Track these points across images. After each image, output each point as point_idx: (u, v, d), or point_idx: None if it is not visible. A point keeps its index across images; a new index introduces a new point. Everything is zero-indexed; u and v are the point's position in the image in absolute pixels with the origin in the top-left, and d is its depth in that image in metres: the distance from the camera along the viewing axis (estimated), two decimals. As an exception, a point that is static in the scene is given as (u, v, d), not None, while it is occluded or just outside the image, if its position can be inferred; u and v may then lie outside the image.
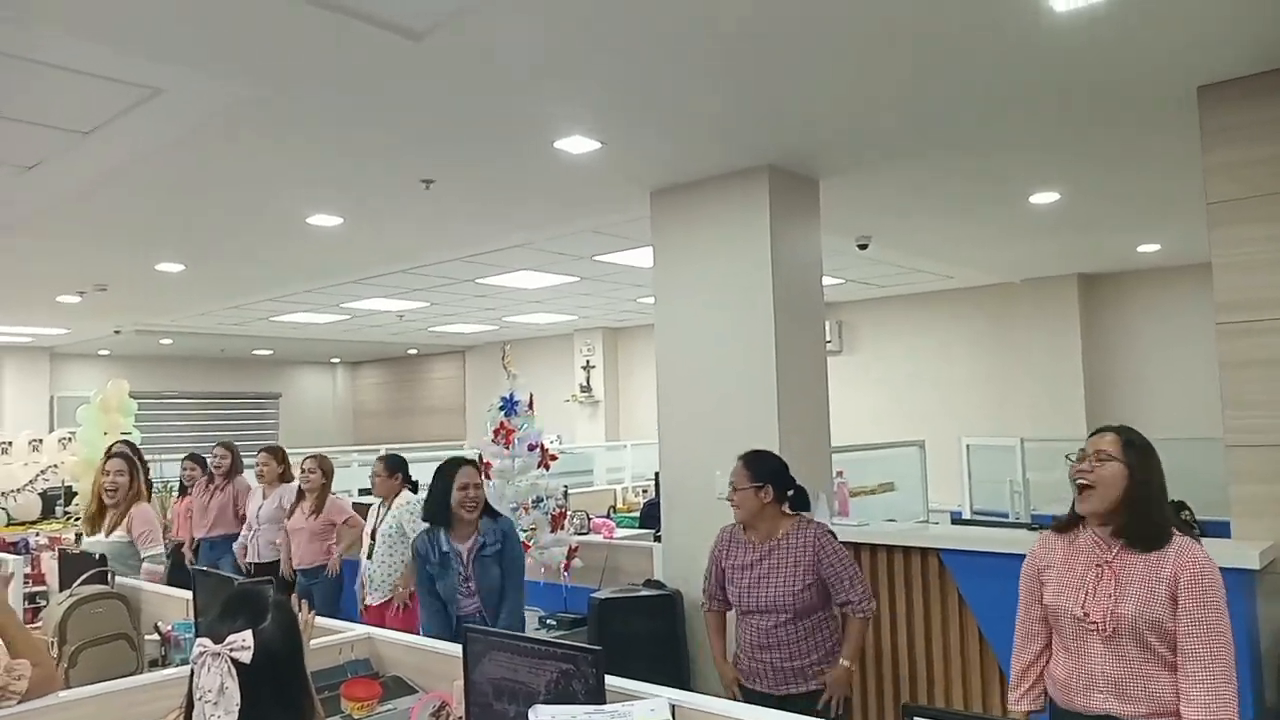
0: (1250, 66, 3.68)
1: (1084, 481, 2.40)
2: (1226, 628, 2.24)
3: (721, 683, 3.41)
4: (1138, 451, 2.40)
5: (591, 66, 3.54)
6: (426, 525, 3.94)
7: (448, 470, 3.89)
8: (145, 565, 4.53)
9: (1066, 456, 2.53)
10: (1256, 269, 3.68)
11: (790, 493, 3.32)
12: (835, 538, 3.28)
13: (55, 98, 3.71)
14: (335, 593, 5.71)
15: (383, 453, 5.84)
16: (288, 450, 6.48)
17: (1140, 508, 2.35)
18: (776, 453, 3.49)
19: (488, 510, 3.95)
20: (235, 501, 6.40)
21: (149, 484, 5.22)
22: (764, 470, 3.28)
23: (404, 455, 5.59)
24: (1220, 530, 4.03)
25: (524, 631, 3.89)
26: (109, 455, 4.93)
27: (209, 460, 6.59)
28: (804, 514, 3.36)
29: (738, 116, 4.17)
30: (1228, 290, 3.75)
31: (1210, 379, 3.92)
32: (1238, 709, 2.20)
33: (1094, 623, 2.33)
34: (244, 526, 6.10)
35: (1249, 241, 3.70)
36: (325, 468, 5.79)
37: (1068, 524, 2.51)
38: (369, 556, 5.23)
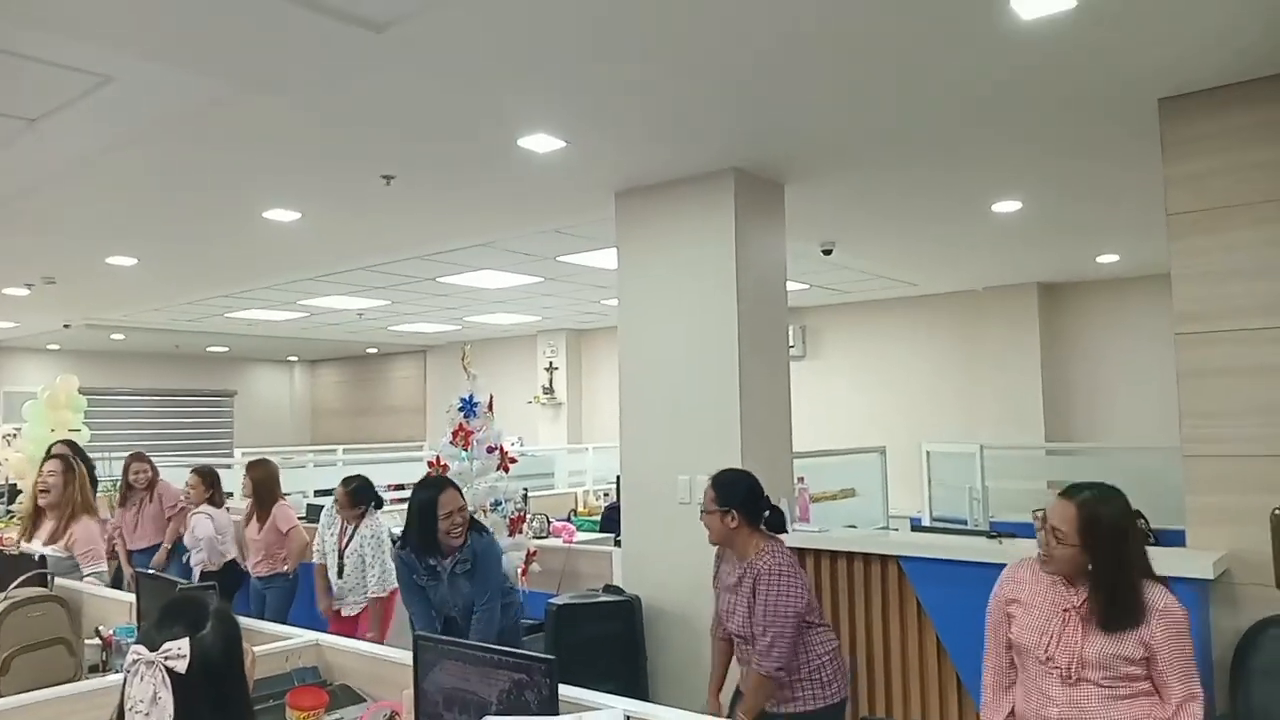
0: (1212, 80, 3.72)
1: (1042, 554, 2.44)
2: (1194, 662, 2.31)
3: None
4: (1101, 531, 2.32)
5: (556, 64, 3.48)
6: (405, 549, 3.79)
7: (428, 499, 3.67)
8: (86, 580, 4.37)
9: (1034, 513, 2.49)
10: (1215, 280, 3.71)
11: (767, 513, 3.17)
12: (783, 578, 3.02)
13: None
14: (288, 598, 5.60)
15: (347, 474, 5.51)
16: (244, 451, 6.31)
17: (1105, 593, 2.32)
18: (744, 468, 3.39)
19: (474, 525, 3.81)
20: (162, 506, 6.22)
21: (94, 482, 5.05)
22: (731, 494, 3.14)
23: (365, 458, 5.46)
24: (1175, 539, 4.06)
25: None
26: (47, 455, 4.77)
27: (130, 476, 6.28)
28: (776, 538, 3.18)
29: (704, 119, 4.13)
30: (1187, 300, 3.78)
31: (1168, 389, 3.95)
32: None
33: (1057, 667, 2.33)
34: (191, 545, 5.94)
35: (1208, 252, 3.74)
36: (254, 475, 5.66)
37: None
38: (339, 575, 5.18)
